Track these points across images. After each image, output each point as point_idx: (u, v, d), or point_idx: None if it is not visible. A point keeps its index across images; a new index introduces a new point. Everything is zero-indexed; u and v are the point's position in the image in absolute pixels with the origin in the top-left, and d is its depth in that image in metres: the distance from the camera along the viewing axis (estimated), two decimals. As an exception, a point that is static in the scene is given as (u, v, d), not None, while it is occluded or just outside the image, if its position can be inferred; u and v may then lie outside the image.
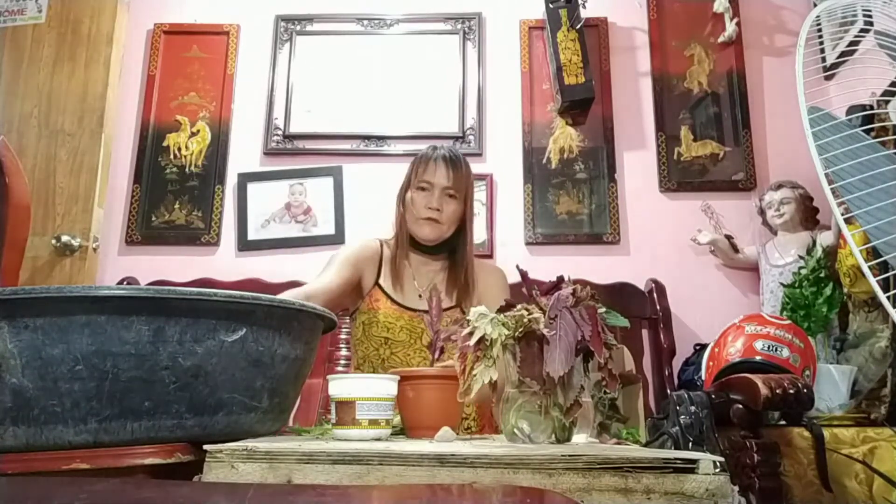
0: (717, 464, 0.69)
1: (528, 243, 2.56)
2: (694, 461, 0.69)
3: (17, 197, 1.42)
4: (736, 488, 0.69)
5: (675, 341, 2.34)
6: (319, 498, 0.56)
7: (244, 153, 2.68)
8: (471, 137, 2.65)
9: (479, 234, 2.40)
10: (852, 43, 2.21)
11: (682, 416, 1.41)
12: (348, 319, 1.73)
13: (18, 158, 1.49)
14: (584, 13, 2.60)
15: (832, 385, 1.70)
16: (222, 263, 2.57)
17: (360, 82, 2.72)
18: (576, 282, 0.97)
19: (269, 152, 2.67)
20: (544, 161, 2.63)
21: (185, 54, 2.77)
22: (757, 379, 1.39)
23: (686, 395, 1.44)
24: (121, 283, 2.40)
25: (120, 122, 2.68)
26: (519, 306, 0.95)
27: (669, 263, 2.51)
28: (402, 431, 1.08)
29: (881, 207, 1.41)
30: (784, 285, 1.96)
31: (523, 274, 1.13)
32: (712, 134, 2.63)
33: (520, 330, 0.92)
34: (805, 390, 1.37)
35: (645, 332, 2.42)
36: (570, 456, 0.70)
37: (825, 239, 2.05)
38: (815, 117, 1.53)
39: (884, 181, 1.43)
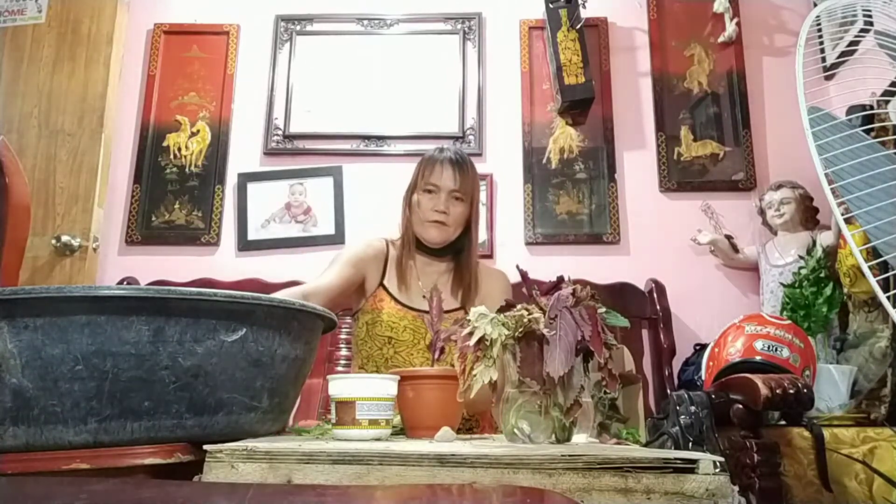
0: (717, 464, 0.69)
1: (528, 243, 2.56)
2: (694, 461, 0.69)
3: (17, 197, 1.42)
4: (736, 488, 0.69)
5: (675, 341, 2.34)
6: (319, 498, 0.56)
7: (244, 153, 2.68)
8: (471, 137, 2.65)
9: (479, 234, 2.39)
10: (852, 43, 2.21)
11: (682, 416, 1.41)
12: (349, 319, 1.73)
13: (18, 158, 1.49)
14: (584, 13, 2.59)
15: (832, 385, 1.70)
16: (222, 263, 2.57)
17: (360, 82, 2.72)
18: (576, 282, 0.97)
19: (269, 152, 2.67)
20: (544, 161, 2.63)
21: (185, 54, 2.77)
22: (757, 379, 1.39)
23: (686, 395, 1.44)
24: (121, 283, 2.40)
25: (120, 122, 2.68)
26: (519, 306, 0.95)
27: (669, 263, 2.50)
28: (402, 431, 1.08)
29: (881, 207, 1.41)
30: (784, 285, 1.96)
31: (523, 274, 1.13)
32: (712, 134, 2.63)
33: (520, 330, 0.92)
34: (805, 390, 1.37)
35: (645, 332, 2.42)
36: (570, 456, 0.70)
37: (825, 239, 2.05)
38: (815, 117, 1.53)
39: (884, 181, 1.43)
